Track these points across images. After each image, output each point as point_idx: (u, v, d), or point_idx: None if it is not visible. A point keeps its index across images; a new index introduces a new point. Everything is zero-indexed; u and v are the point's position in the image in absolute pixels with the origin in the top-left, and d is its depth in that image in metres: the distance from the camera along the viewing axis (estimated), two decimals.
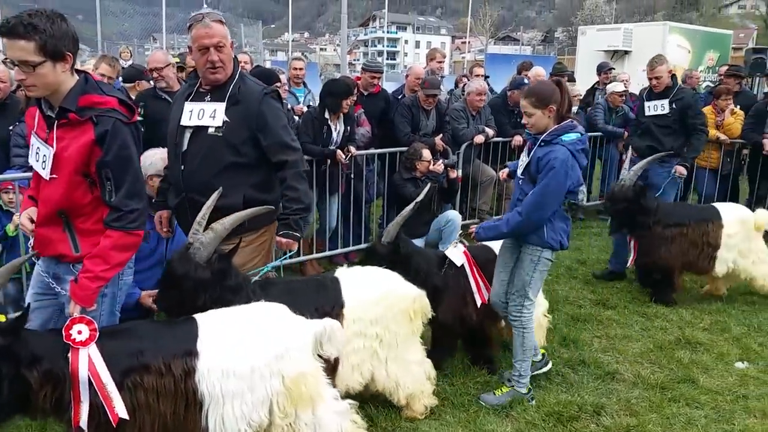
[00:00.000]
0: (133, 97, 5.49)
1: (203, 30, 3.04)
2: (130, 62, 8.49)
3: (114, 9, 22.12)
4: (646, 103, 5.72)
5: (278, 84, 5.41)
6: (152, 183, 3.92)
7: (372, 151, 6.26)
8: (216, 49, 3.06)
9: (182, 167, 3.22)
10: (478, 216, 7.12)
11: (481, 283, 3.89)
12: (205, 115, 3.15)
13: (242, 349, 2.54)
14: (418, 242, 6.01)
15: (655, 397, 3.78)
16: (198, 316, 2.65)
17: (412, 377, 3.34)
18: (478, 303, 3.84)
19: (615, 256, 5.85)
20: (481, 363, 4.05)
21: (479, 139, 6.65)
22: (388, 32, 78.05)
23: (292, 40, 52.80)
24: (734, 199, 7.69)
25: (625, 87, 8.62)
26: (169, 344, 2.50)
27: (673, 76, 5.73)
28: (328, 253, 6.11)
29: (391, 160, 6.28)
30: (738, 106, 7.57)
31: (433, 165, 5.83)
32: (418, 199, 4.08)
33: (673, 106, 5.53)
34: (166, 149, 4.14)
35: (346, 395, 3.10)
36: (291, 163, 3.20)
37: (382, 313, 3.22)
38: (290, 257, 5.88)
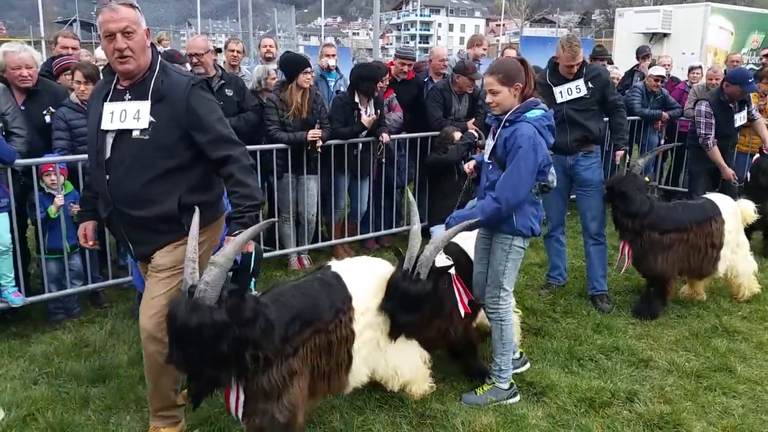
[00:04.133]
0: None
1: (108, 14, 2.70)
2: (168, 47, 8.59)
3: None
4: (556, 89, 4.77)
5: (308, 70, 5.43)
6: None
7: (404, 135, 6.24)
8: (124, 35, 2.70)
9: (107, 177, 2.84)
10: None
11: (462, 293, 3.51)
12: (128, 116, 2.80)
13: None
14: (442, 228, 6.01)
15: (690, 385, 3.72)
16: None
17: (408, 364, 3.31)
18: (462, 314, 3.48)
19: None
20: (475, 375, 3.74)
21: None
22: (421, 15, 77.44)
23: (325, 25, 52.79)
24: None
25: (667, 71, 8.41)
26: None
27: None
28: (359, 237, 6.15)
29: (422, 145, 6.26)
30: None
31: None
32: None
33: (590, 85, 4.74)
34: None
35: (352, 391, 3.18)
36: (235, 158, 2.86)
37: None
38: (322, 241, 5.93)
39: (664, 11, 15.19)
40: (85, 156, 4.46)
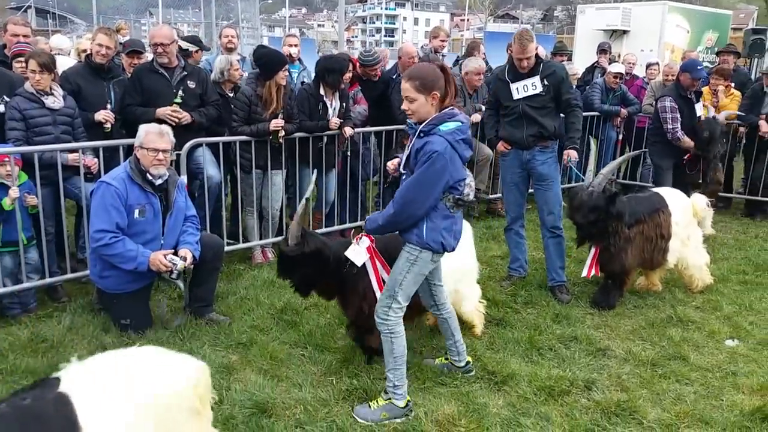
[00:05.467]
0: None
1: None
2: (127, 37, 8.41)
3: None
4: (513, 86, 4.83)
5: (286, 67, 5.39)
6: (140, 154, 3.97)
7: (369, 129, 6.25)
8: None
9: None
10: (475, 195, 7.12)
11: (384, 277, 3.49)
12: None
13: None
14: None
15: (645, 373, 3.83)
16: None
17: None
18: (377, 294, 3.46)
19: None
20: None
21: (476, 117, 6.63)
22: (386, 9, 77.37)
23: (290, 16, 52.29)
24: (728, 180, 7.73)
25: (629, 69, 8.59)
26: None
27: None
28: (324, 230, 6.14)
29: (387, 138, 6.28)
30: (733, 84, 7.58)
31: None
32: (306, 195, 3.76)
33: (545, 82, 4.76)
34: (161, 125, 4.16)
35: None
36: None
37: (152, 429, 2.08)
38: None
39: (623, 9, 15.47)
40: (41, 147, 4.38)
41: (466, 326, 4.15)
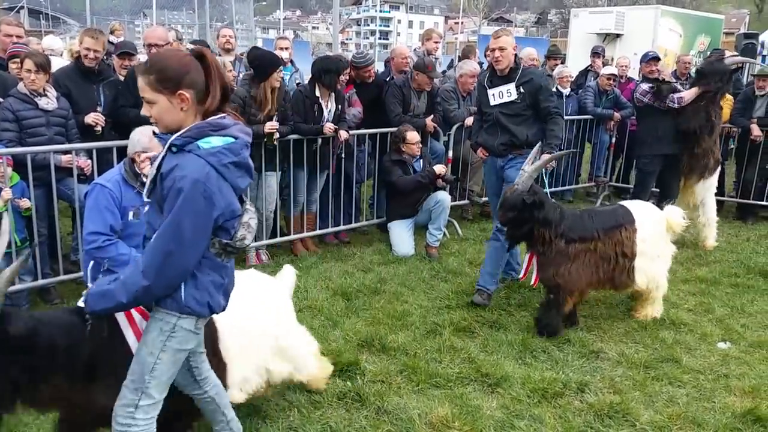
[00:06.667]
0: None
1: None
2: (122, 38, 8.40)
3: None
4: (490, 92, 4.78)
5: (280, 68, 5.40)
6: (140, 160, 3.94)
7: (363, 131, 6.25)
8: None
9: None
10: (468, 197, 7.16)
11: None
12: None
13: None
14: (406, 223, 6.06)
15: (638, 375, 3.85)
16: None
17: None
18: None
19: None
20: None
21: (469, 121, 6.65)
22: (380, 11, 77.52)
23: (284, 18, 52.32)
24: (721, 183, 7.76)
25: (622, 72, 8.63)
26: None
27: (515, 56, 4.81)
28: (318, 232, 6.14)
29: (381, 141, 6.29)
30: None
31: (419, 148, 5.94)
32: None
33: (521, 90, 4.67)
34: (152, 127, 4.14)
35: None
36: None
37: None
38: (281, 236, 5.90)
39: (617, 12, 15.57)
40: (34, 148, 4.36)
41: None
